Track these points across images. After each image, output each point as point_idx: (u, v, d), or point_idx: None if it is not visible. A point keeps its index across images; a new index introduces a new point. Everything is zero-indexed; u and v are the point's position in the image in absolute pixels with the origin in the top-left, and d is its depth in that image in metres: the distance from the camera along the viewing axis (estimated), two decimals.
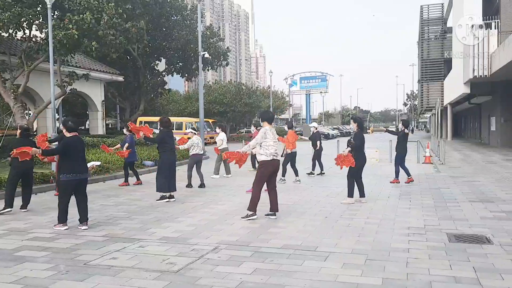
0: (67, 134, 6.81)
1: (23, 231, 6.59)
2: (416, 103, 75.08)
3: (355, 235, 6.19)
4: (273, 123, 7.67)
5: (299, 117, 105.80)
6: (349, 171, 8.70)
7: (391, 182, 11.53)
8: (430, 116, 63.86)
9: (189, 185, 11.11)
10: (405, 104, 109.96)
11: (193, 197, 9.70)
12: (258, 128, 9.97)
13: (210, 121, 32.61)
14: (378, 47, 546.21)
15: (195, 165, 11.30)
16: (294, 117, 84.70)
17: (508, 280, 4.40)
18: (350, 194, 8.68)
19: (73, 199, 6.77)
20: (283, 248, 5.57)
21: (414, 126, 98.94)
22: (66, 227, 6.66)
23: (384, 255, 5.27)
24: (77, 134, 6.93)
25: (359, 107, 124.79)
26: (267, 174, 7.27)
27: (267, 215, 7.40)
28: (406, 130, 11.52)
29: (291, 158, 12.08)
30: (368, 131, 76.46)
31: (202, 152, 11.73)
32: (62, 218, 6.70)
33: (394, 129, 11.73)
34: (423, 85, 44.09)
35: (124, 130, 11.92)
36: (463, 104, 36.18)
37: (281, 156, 14.80)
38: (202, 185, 11.10)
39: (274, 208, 7.41)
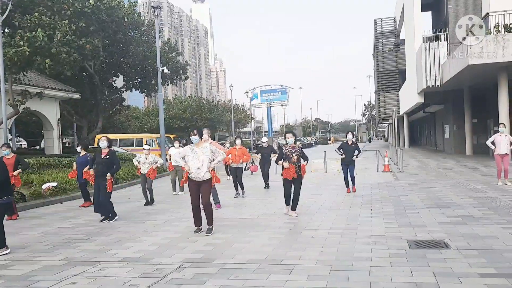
0: None
1: None
2: (374, 113, 77.29)
3: (319, 246, 6.23)
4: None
5: (261, 129, 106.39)
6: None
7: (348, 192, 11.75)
8: (388, 125, 65.90)
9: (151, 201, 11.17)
10: (363, 115, 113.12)
11: (155, 215, 9.50)
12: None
13: (171, 136, 32.17)
14: (336, 59, 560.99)
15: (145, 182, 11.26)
16: (256, 130, 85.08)
17: (466, 283, 4.54)
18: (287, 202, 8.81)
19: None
20: (248, 263, 5.53)
21: (373, 135, 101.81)
22: (7, 251, 6.42)
23: (347, 265, 5.33)
24: None
25: (319, 119, 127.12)
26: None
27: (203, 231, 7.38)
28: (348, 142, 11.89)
29: (241, 171, 12.12)
30: (329, 141, 78.12)
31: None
32: (2, 242, 6.45)
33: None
34: (379, 96, 45.45)
35: (78, 148, 11.63)
36: (418, 113, 37.54)
37: (245, 169, 14.89)
38: (152, 200, 11.19)
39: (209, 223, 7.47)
